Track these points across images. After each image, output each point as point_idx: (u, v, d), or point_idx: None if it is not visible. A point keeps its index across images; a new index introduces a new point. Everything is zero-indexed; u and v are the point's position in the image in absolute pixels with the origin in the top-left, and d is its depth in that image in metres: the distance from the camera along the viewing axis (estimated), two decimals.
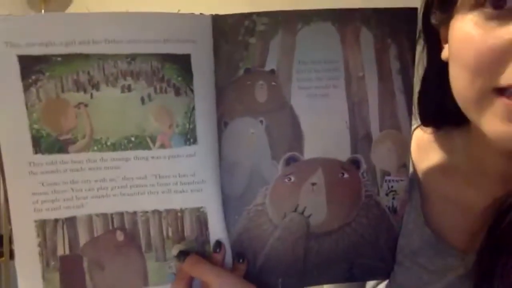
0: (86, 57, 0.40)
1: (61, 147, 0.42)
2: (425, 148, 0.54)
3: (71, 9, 2.22)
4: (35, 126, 0.41)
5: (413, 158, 0.53)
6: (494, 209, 0.43)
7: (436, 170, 0.51)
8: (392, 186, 0.48)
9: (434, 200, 0.50)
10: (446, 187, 0.50)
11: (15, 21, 0.39)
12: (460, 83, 0.41)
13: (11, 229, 0.43)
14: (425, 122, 0.53)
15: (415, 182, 0.52)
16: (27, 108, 0.41)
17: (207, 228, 0.46)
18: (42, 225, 0.43)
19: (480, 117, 0.40)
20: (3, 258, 1.91)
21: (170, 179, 0.44)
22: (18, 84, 0.40)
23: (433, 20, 0.46)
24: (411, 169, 0.52)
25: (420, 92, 0.50)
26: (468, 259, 0.45)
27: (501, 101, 0.37)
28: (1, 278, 2.01)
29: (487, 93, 0.38)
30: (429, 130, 0.53)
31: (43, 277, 0.44)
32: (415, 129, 0.55)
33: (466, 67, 0.39)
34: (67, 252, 0.44)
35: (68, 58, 0.40)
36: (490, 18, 0.37)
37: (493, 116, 0.38)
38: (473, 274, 0.43)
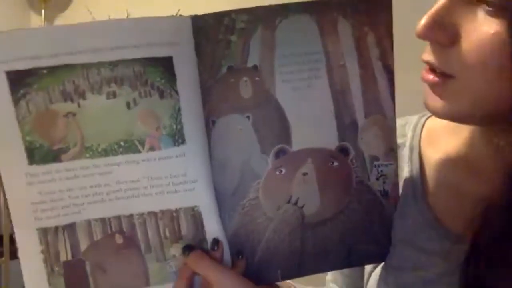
0: (71, 67, 0.41)
1: (54, 156, 0.43)
2: (434, 137, 0.54)
3: (71, 9, 2.26)
4: (28, 138, 0.42)
5: (421, 146, 0.54)
6: (492, 200, 0.43)
7: (442, 159, 0.51)
8: (381, 171, 0.48)
9: (435, 186, 0.50)
10: (449, 175, 0.50)
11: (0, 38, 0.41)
12: None
13: (11, 231, 0.44)
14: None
15: (417, 167, 0.52)
16: (18, 121, 0.42)
17: (203, 226, 0.47)
18: (44, 232, 0.45)
19: None
20: (3, 258, 1.92)
21: (162, 181, 0.45)
22: (8, 98, 0.41)
23: None
24: (416, 155, 0.53)
25: None
26: (464, 244, 0.45)
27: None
28: (1, 278, 2.03)
29: None
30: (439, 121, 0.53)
31: (49, 283, 0.46)
32: (427, 119, 0.55)
33: None
34: (70, 257, 0.46)
35: (54, 70, 0.41)
36: None
37: None
38: (467, 261, 0.44)
